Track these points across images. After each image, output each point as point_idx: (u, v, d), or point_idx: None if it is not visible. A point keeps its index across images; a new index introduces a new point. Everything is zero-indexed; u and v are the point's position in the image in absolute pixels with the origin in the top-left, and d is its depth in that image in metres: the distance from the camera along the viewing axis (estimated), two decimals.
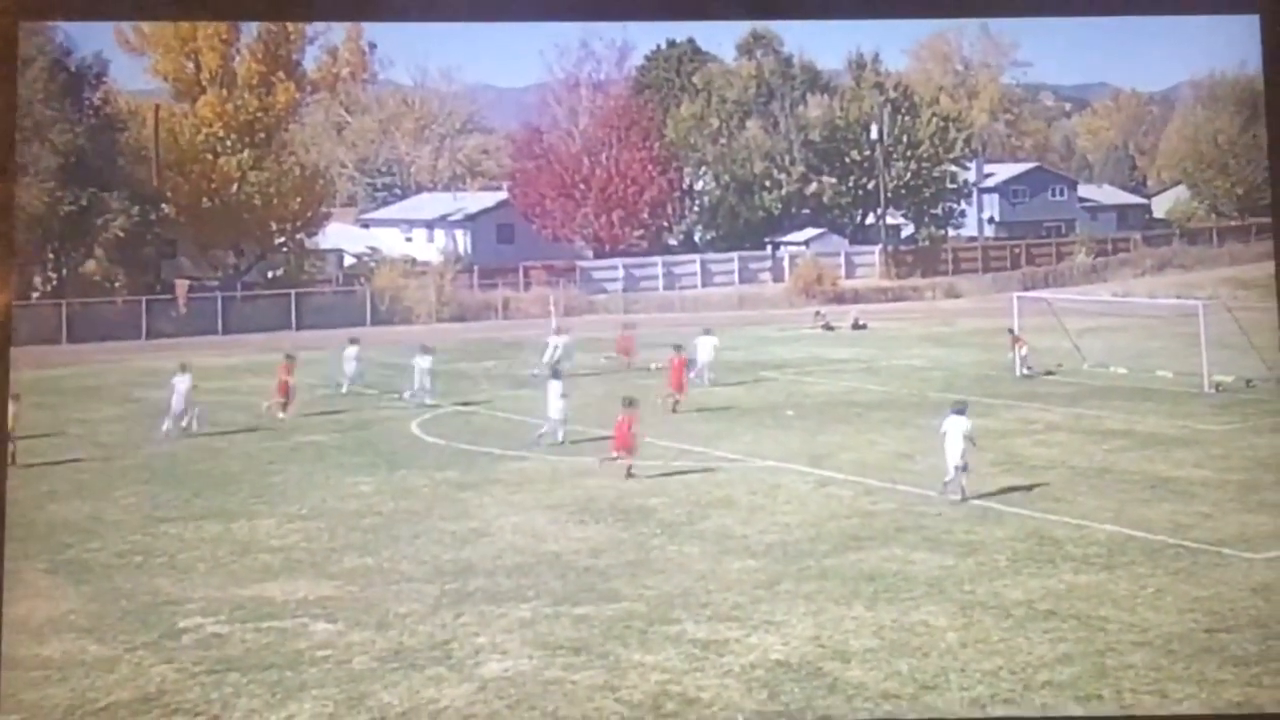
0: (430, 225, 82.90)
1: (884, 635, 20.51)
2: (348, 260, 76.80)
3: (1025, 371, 44.16)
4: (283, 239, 71.98)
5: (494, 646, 20.57)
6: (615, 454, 32.32)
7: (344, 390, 42.93)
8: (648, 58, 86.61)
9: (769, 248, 79.50)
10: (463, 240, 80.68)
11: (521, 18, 22.97)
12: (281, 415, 39.75)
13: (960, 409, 30.94)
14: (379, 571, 24.71)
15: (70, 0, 19.78)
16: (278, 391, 40.53)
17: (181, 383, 38.84)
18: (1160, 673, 18.74)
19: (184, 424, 38.33)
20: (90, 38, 66.16)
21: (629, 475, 31.59)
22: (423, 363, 41.88)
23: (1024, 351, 44.78)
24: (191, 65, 70.05)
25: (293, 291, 66.22)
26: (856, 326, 60.55)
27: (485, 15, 23.08)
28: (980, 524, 26.70)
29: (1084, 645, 19.84)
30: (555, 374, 38.05)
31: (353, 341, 44.88)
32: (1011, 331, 45.86)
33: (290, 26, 71.26)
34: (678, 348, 41.06)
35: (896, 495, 29.24)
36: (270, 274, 71.00)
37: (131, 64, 71.41)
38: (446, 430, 37.83)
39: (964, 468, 29.47)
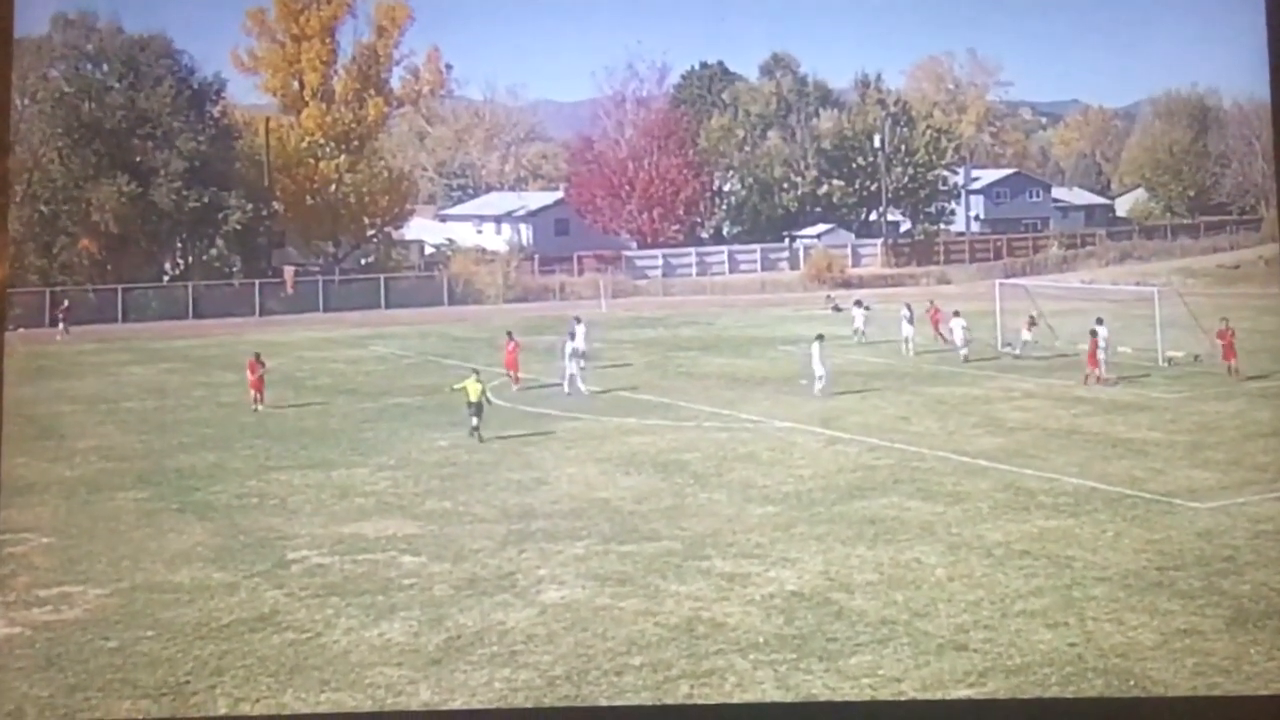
0: (498, 220, 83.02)
1: (883, 571, 20.53)
2: (428, 250, 77.04)
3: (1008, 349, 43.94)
4: (373, 231, 72.23)
5: (552, 578, 20.66)
6: (1091, 370, 37.76)
7: None
8: (684, 77, 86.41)
9: (787, 240, 79.34)
10: (525, 233, 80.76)
11: None
12: None
13: (1100, 320, 38.80)
14: (455, 513, 24.83)
15: None
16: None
17: (569, 346, 38.90)
18: (1118, 604, 18.70)
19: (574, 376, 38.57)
20: (210, 59, 66.58)
21: (1098, 381, 37.17)
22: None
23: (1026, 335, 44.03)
24: (296, 83, 70.25)
25: (382, 276, 66.51)
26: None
27: None
28: (966, 477, 26.66)
29: (1053, 580, 19.81)
30: (819, 337, 38.24)
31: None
32: (1031, 316, 44.71)
33: (379, 50, 71.43)
34: (1093, 332, 38.49)
35: (895, 452, 29.19)
36: (363, 261, 71.31)
37: (245, 82, 71.82)
38: (511, 394, 37.94)
39: (1104, 361, 37.95)
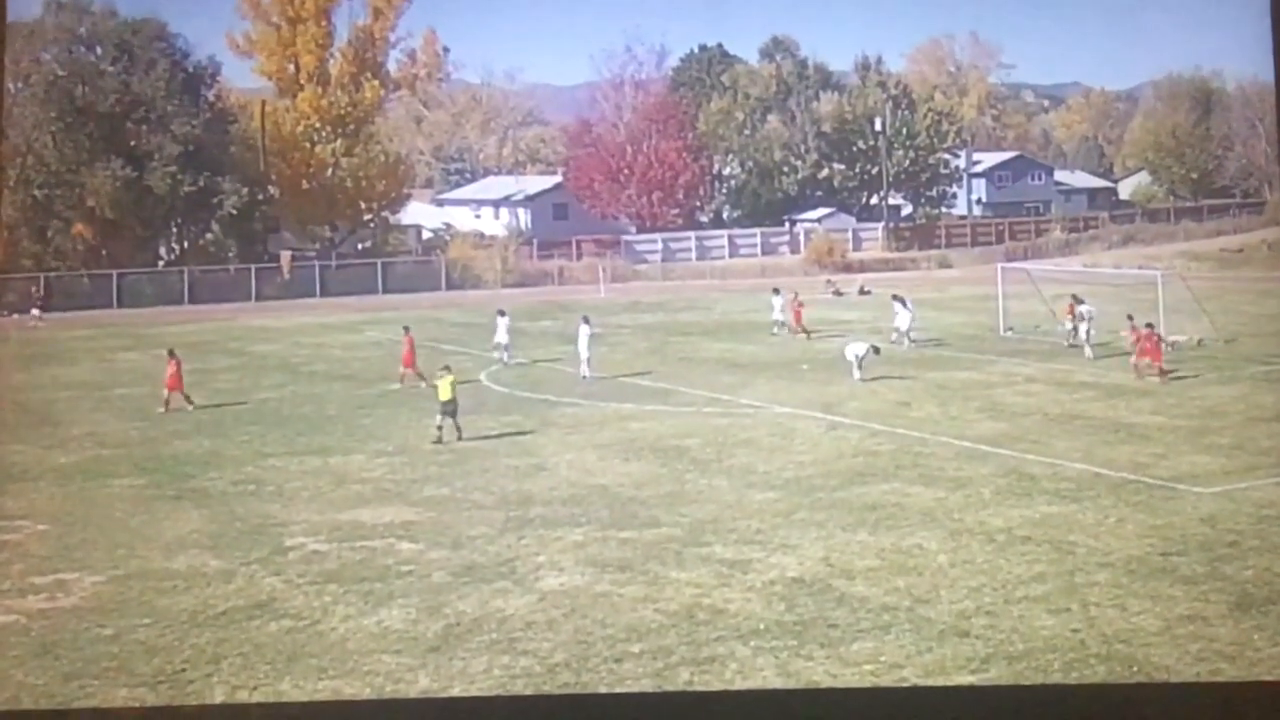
0: (496, 204, 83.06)
1: (884, 557, 20.50)
2: (426, 234, 77.08)
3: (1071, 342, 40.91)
4: (370, 216, 72.25)
5: (551, 564, 20.63)
6: (1155, 363, 35.76)
7: None
8: (682, 60, 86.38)
9: (787, 224, 79.33)
10: (523, 217, 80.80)
11: None
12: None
13: (1081, 300, 40.24)
14: (454, 500, 24.80)
15: None
16: None
17: (502, 324, 40.73)
18: (1121, 590, 18.68)
19: (508, 357, 40.27)
20: (205, 43, 66.59)
21: (1145, 376, 35.44)
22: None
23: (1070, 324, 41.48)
24: (292, 66, 70.20)
25: (379, 261, 66.52)
26: (862, 292, 60.35)
27: None
28: (968, 462, 26.63)
29: (1056, 566, 19.79)
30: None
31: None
32: (1074, 297, 41.91)
33: (375, 33, 71.34)
34: (1149, 325, 37.08)
35: (896, 438, 29.15)
36: (360, 246, 71.35)
37: (240, 65, 71.88)
38: (510, 380, 37.92)
39: (1087, 340, 39.42)
